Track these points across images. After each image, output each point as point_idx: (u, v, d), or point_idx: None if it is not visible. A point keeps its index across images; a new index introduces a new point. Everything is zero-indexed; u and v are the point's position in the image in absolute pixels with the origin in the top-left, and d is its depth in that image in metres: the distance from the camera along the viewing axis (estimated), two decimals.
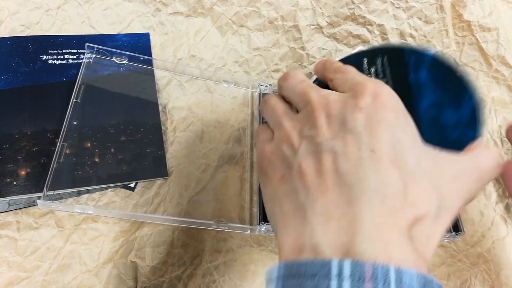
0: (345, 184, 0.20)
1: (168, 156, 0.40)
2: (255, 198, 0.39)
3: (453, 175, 0.22)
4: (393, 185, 0.20)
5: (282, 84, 0.28)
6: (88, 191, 0.37)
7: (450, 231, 0.37)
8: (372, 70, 0.30)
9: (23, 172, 0.36)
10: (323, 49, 0.45)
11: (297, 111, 0.26)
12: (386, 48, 0.31)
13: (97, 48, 0.40)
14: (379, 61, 0.30)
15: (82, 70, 0.39)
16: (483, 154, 0.24)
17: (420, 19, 0.45)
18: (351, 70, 0.26)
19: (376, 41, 0.45)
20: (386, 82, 0.27)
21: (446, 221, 0.21)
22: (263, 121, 0.30)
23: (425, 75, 0.29)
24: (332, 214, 0.20)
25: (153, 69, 0.42)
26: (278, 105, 0.28)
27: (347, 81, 0.25)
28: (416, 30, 0.45)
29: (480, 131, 0.26)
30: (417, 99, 0.28)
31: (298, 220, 0.21)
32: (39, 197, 0.35)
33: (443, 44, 0.45)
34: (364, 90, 0.22)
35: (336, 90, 0.25)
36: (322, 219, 0.20)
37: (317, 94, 0.24)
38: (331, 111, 0.23)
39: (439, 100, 0.28)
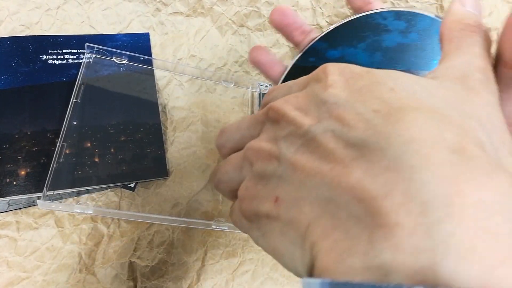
0: (373, 150, 0.14)
1: (168, 156, 0.40)
2: None
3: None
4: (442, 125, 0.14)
5: (221, 141, 0.23)
6: (88, 191, 0.37)
7: None
8: None
9: (23, 172, 0.36)
10: None
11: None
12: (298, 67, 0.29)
13: (97, 48, 0.40)
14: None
15: (82, 70, 0.39)
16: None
17: None
18: (287, 82, 0.21)
19: None
20: None
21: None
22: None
23: (338, 51, 0.27)
24: (376, 188, 0.13)
25: (153, 69, 0.42)
26: (230, 161, 0.22)
27: (291, 86, 0.20)
28: None
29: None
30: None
31: (328, 221, 0.15)
32: (39, 197, 0.35)
33: None
34: (322, 73, 0.18)
35: None
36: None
37: (271, 103, 0.20)
38: (298, 103, 0.18)
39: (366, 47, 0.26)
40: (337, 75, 0.17)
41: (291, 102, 0.18)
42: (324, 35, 0.27)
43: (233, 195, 0.22)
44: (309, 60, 0.27)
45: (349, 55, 0.27)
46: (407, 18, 0.25)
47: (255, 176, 0.19)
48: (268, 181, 0.18)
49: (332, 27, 0.27)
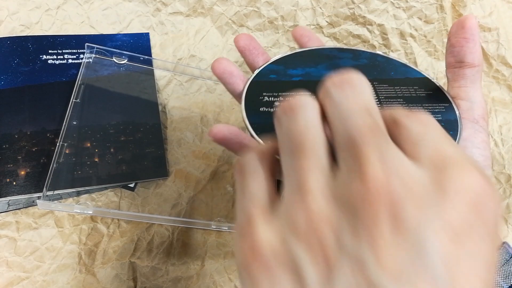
0: None
1: (168, 156, 0.39)
2: None
3: None
4: None
5: (332, 95, 0.16)
6: (87, 191, 0.37)
7: None
8: None
9: (22, 172, 0.36)
10: None
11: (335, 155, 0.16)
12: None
13: (97, 48, 0.40)
14: None
15: (82, 70, 0.39)
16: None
17: (420, 19, 0.45)
18: (435, 124, 0.16)
19: (376, 41, 0.45)
20: None
21: None
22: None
23: (298, 71, 0.29)
24: None
25: (153, 69, 0.42)
26: (312, 137, 0.16)
27: (425, 140, 0.15)
28: (416, 30, 0.44)
29: None
30: None
31: None
32: (38, 197, 0.35)
33: (443, 44, 0.44)
34: (461, 190, 0.13)
35: (397, 143, 0.15)
36: None
37: (379, 162, 0.14)
38: (400, 212, 0.13)
39: None
40: (467, 209, 0.13)
41: (400, 200, 0.13)
42: (276, 60, 0.29)
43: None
44: (269, 77, 0.28)
45: (312, 72, 0.28)
46: (350, 51, 0.29)
47: (287, 247, 0.14)
48: (297, 278, 0.14)
49: (281, 55, 0.29)
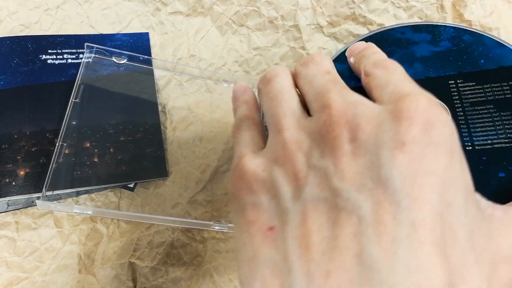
0: (371, 279, 0.13)
1: (167, 156, 0.39)
2: None
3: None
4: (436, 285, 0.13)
5: (300, 71, 0.20)
6: (87, 191, 0.37)
7: None
8: None
9: (22, 172, 0.36)
10: (323, 48, 0.45)
11: (309, 114, 0.19)
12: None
13: (97, 47, 0.40)
14: None
15: (81, 70, 0.39)
16: None
17: (421, 18, 0.44)
18: (398, 70, 0.18)
19: None
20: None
21: None
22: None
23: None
24: None
25: (152, 69, 0.42)
26: (286, 94, 0.19)
27: (388, 84, 0.17)
28: None
29: None
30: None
31: None
32: (38, 198, 0.35)
33: None
34: (412, 113, 0.15)
35: (369, 92, 0.18)
36: None
37: (340, 98, 0.17)
38: (359, 133, 0.15)
39: None
40: (420, 130, 0.15)
41: (357, 122, 0.16)
42: (338, 57, 0.24)
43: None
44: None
45: None
46: (428, 30, 0.24)
47: (269, 171, 0.17)
48: (275, 198, 0.17)
49: (343, 48, 0.25)
